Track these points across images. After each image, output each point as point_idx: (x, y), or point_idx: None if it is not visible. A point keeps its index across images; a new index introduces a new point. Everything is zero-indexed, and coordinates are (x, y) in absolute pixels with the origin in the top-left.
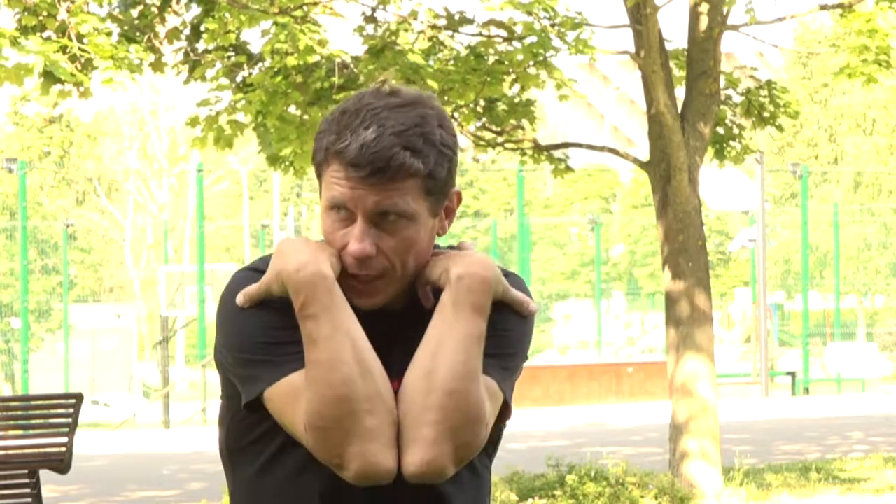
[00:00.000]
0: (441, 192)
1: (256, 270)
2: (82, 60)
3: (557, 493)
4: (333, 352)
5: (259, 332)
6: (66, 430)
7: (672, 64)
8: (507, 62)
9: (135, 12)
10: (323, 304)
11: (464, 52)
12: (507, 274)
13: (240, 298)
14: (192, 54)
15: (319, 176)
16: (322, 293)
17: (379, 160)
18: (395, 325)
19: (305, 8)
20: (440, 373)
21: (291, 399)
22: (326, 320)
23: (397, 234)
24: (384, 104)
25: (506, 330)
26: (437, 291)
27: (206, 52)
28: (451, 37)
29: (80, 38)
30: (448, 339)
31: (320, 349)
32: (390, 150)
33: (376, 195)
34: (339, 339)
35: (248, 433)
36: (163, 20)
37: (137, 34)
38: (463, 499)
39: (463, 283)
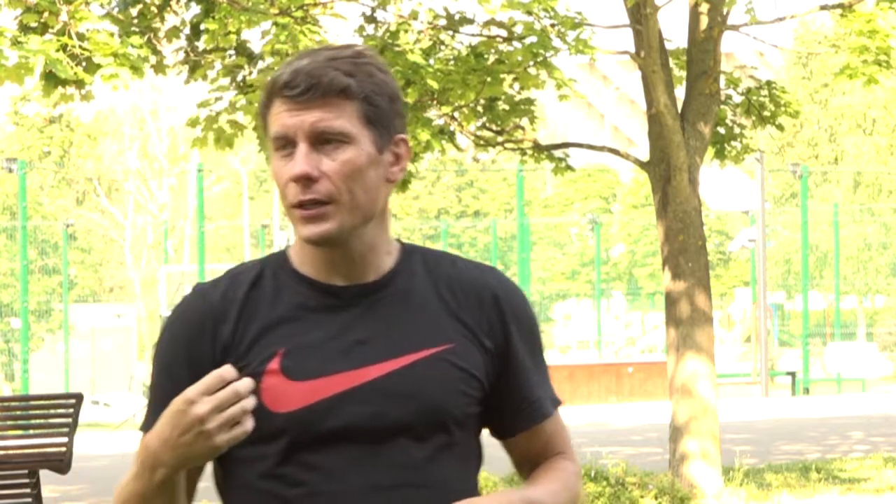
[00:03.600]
0: (384, 127)
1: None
2: (84, 63)
3: None
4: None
5: (162, 370)
6: (66, 430)
7: (672, 64)
8: (507, 62)
9: (134, 12)
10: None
11: (464, 52)
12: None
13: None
14: (191, 54)
15: (266, 128)
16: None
17: (311, 78)
18: (368, 302)
19: (305, 8)
20: None
21: None
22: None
23: (338, 157)
24: (325, 47)
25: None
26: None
27: (206, 52)
28: (452, 37)
29: (80, 37)
30: None
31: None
32: (323, 69)
33: (313, 116)
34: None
35: None
36: (162, 20)
37: (137, 34)
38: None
39: None
